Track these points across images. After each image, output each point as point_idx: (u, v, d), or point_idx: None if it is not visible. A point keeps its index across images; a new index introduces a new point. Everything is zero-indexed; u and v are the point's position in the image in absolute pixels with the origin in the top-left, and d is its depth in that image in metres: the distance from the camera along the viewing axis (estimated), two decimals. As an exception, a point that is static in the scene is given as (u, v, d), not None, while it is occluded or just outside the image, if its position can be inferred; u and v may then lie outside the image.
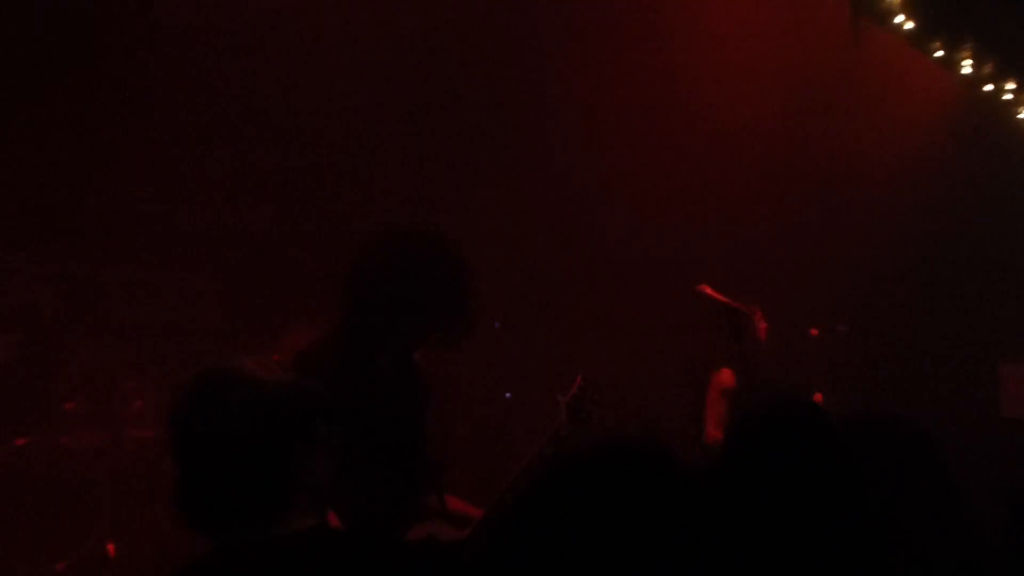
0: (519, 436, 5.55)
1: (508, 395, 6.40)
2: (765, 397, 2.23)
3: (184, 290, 6.17)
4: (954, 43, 7.00)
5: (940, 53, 7.01)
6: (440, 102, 6.17)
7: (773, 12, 6.79)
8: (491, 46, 6.11)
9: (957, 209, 7.33)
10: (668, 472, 1.40)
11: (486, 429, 6.05)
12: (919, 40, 6.90)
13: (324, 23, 5.61)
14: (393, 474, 3.17)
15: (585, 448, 1.44)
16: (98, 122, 5.51)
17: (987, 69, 7.20)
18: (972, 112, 7.39)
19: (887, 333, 7.22)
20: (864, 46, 7.00)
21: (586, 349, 5.98)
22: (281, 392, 2.00)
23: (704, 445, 4.95)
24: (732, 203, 6.66)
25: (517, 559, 1.36)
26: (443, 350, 3.26)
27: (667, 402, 5.72)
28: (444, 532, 3.18)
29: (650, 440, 1.42)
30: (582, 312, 6.56)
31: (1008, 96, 7.44)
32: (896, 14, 6.72)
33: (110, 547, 5.17)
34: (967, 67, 7.08)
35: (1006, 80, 7.35)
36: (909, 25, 6.75)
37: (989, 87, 7.29)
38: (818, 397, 4.86)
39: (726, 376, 5.11)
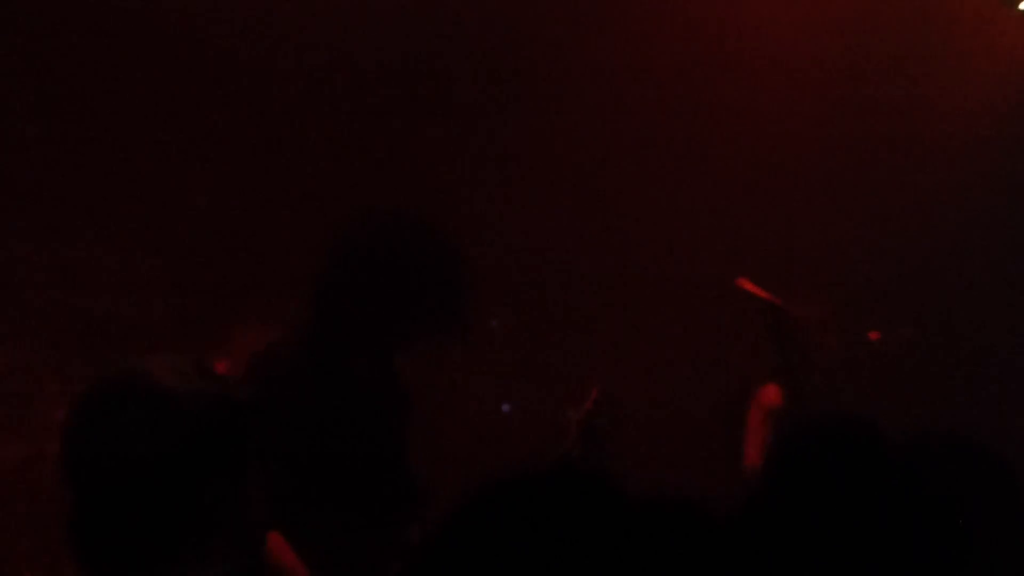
0: (520, 458, 5.55)
1: (506, 407, 6.41)
2: (814, 416, 2.24)
3: (120, 275, 6.18)
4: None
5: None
6: (442, 60, 6.21)
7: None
8: (501, 20, 6.16)
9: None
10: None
11: (480, 449, 6.06)
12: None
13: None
14: (368, 502, 3.18)
15: None
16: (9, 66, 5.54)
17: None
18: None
19: (963, 337, 7.22)
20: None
21: (602, 354, 5.99)
22: (196, 405, 1.91)
23: (743, 478, 4.87)
24: (777, 181, 6.65)
25: None
26: (430, 353, 3.28)
27: (699, 424, 5.72)
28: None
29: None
30: (599, 311, 6.56)
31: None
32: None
33: (27, 581, 5.19)
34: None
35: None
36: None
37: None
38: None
39: (772, 393, 4.99)
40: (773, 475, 2.07)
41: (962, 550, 2.05)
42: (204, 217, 6.15)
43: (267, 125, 6.11)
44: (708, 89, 6.54)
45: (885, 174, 7.02)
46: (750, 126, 6.61)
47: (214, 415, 1.94)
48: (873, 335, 5.56)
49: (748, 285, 4.15)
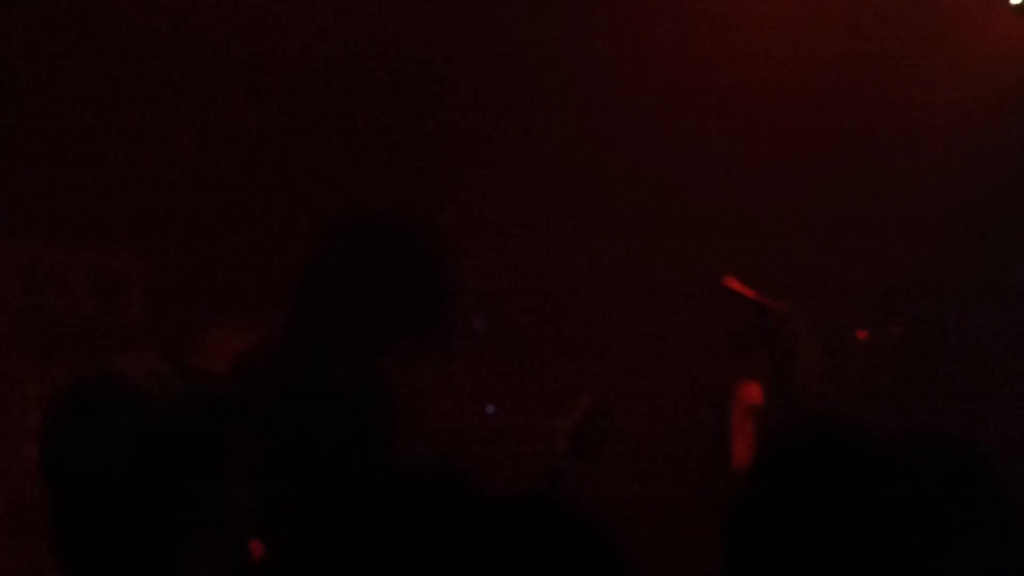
0: (505, 468, 5.55)
1: (490, 409, 6.41)
2: (800, 416, 2.25)
3: (99, 275, 6.15)
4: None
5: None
6: (430, 60, 6.21)
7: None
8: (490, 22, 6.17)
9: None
10: None
11: (465, 456, 6.07)
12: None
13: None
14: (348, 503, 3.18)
15: None
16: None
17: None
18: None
19: (952, 336, 7.23)
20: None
21: (591, 360, 5.98)
22: (173, 407, 1.91)
23: (731, 476, 4.93)
24: (763, 179, 6.66)
25: None
26: (415, 357, 3.27)
27: (685, 423, 5.73)
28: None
29: None
30: (585, 314, 6.56)
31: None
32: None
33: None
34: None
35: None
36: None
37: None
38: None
39: (753, 391, 5.09)
40: (761, 474, 2.08)
41: (948, 550, 2.07)
42: (185, 219, 6.14)
43: (249, 126, 6.10)
44: (702, 89, 6.55)
45: (875, 171, 7.03)
46: (740, 125, 6.62)
47: (192, 414, 1.93)
48: (861, 334, 5.58)
49: (735, 284, 4.15)
